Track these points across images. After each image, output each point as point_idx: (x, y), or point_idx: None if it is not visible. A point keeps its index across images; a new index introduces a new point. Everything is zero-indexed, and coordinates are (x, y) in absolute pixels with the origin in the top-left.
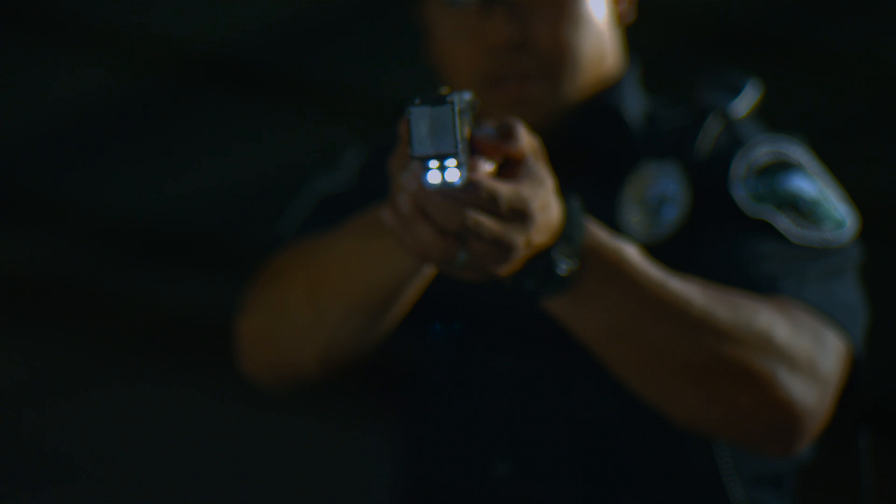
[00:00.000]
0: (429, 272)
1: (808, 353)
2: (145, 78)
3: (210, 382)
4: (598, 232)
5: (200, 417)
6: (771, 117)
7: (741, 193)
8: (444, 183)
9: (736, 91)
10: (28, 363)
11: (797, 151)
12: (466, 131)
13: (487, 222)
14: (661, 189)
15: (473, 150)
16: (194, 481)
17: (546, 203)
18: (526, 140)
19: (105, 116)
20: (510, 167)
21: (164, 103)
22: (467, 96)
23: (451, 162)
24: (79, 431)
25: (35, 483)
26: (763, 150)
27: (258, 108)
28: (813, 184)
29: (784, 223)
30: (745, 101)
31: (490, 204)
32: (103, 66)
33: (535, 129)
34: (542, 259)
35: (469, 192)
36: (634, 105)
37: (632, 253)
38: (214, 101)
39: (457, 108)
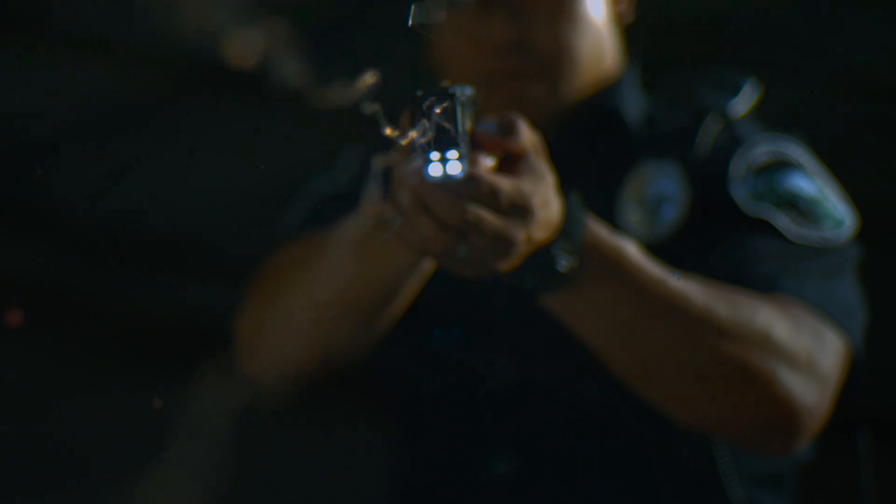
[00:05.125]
0: (426, 269)
1: (808, 351)
2: (142, 81)
3: (208, 385)
4: (599, 229)
5: (197, 421)
6: (770, 117)
7: (740, 192)
8: (446, 175)
9: (735, 91)
10: (24, 365)
11: (796, 151)
12: (468, 125)
13: (488, 217)
14: (660, 189)
15: (474, 146)
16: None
17: (547, 199)
18: (527, 136)
19: (101, 118)
20: (511, 163)
21: (161, 106)
22: (469, 91)
23: (452, 154)
24: (76, 433)
25: (32, 484)
26: (762, 149)
27: (256, 110)
28: (812, 183)
29: (783, 222)
30: (744, 101)
31: (491, 198)
32: (99, 70)
33: (534, 128)
34: (542, 255)
35: (470, 186)
36: (634, 105)
37: (632, 251)
38: (212, 103)
39: (459, 101)
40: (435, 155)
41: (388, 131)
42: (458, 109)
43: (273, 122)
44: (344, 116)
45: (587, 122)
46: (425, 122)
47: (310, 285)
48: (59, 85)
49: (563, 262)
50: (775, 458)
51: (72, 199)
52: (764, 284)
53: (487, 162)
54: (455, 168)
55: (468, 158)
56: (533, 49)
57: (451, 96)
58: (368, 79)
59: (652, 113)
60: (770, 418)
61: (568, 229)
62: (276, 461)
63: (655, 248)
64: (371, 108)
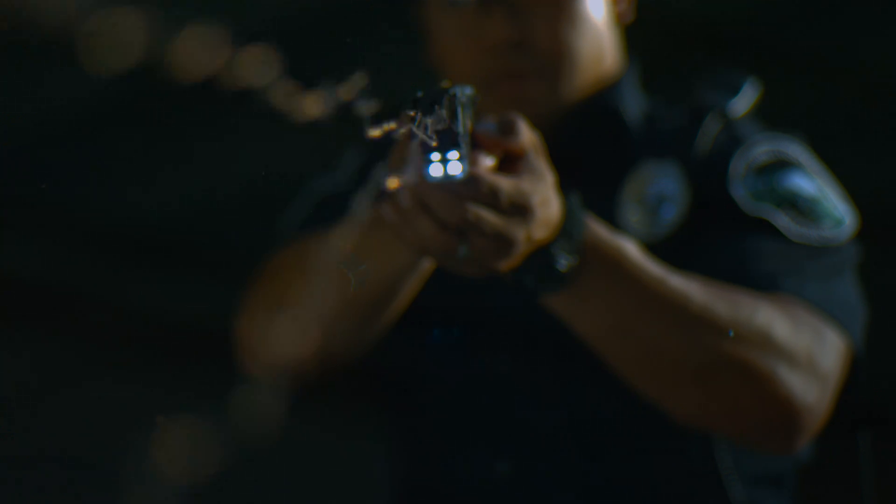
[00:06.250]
0: (425, 267)
1: (808, 350)
2: (134, 80)
3: (206, 385)
4: (598, 228)
5: (194, 421)
6: (770, 118)
7: (740, 192)
8: (447, 176)
9: (734, 90)
10: (16, 366)
11: (796, 150)
12: (468, 125)
13: (488, 216)
14: (660, 188)
15: (474, 145)
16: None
17: (546, 198)
18: (526, 135)
19: (92, 119)
20: (510, 162)
21: (160, 106)
22: (468, 91)
23: (453, 154)
24: (75, 433)
25: (32, 484)
26: (762, 148)
27: (249, 111)
28: (812, 182)
29: (783, 221)
30: (744, 101)
31: (491, 198)
32: (89, 70)
33: (534, 128)
34: (541, 255)
35: (470, 186)
36: (634, 105)
37: (631, 249)
38: (211, 102)
39: (459, 101)
40: (435, 155)
41: (384, 131)
42: (459, 109)
43: (273, 121)
44: (341, 118)
45: (587, 122)
46: (425, 123)
47: (308, 284)
48: (56, 85)
49: (563, 262)
50: (775, 457)
51: (72, 199)
52: (764, 284)
53: (487, 162)
54: (455, 168)
55: (469, 158)
56: (533, 49)
57: (452, 96)
58: (359, 81)
59: (652, 113)
60: (770, 417)
61: (568, 229)
62: (276, 460)
63: (655, 248)
64: (369, 109)
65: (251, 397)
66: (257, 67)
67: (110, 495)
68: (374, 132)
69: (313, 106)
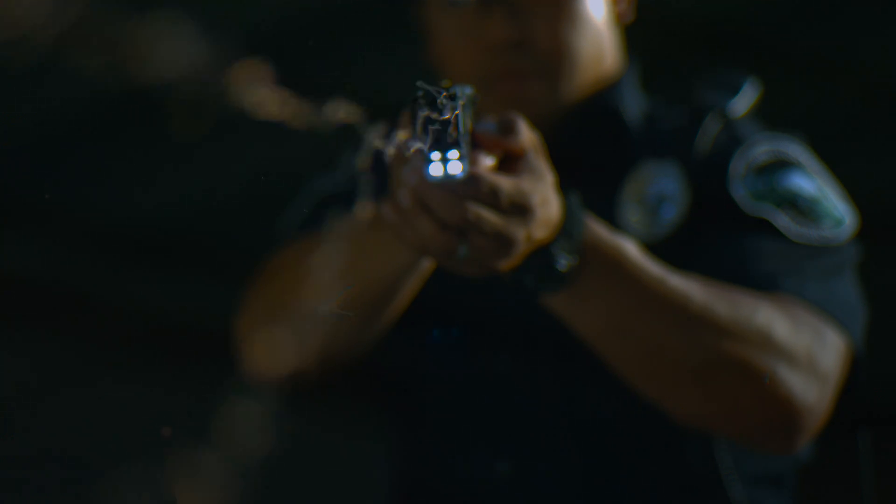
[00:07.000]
0: (426, 267)
1: (808, 349)
2: (134, 81)
3: (206, 385)
4: (598, 228)
5: (194, 421)
6: (770, 118)
7: (740, 192)
8: (447, 175)
9: (734, 90)
10: (16, 366)
11: (796, 150)
12: (468, 125)
13: (488, 216)
14: (660, 188)
15: (474, 145)
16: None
17: (546, 198)
18: (526, 135)
19: (92, 120)
20: (510, 162)
21: (152, 104)
22: (468, 91)
23: (453, 154)
24: (76, 433)
25: (31, 483)
26: (762, 148)
27: (248, 113)
28: (812, 182)
29: (783, 221)
30: (744, 101)
31: (491, 198)
32: (88, 69)
33: (534, 128)
34: (541, 254)
35: (470, 186)
36: (634, 105)
37: (631, 249)
38: (209, 103)
39: (459, 101)
40: (436, 155)
41: (379, 137)
42: (459, 109)
43: (272, 122)
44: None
45: (587, 122)
46: (426, 123)
47: (308, 283)
48: (56, 85)
49: (563, 261)
50: (775, 457)
51: (72, 199)
52: (764, 283)
53: (487, 162)
54: (456, 168)
55: (469, 158)
56: (533, 49)
57: (452, 96)
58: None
59: (652, 113)
60: (770, 417)
61: (567, 228)
62: (276, 460)
63: (655, 248)
64: (364, 117)
65: (251, 397)
66: (256, 69)
67: (110, 495)
68: (379, 135)
69: (310, 113)
